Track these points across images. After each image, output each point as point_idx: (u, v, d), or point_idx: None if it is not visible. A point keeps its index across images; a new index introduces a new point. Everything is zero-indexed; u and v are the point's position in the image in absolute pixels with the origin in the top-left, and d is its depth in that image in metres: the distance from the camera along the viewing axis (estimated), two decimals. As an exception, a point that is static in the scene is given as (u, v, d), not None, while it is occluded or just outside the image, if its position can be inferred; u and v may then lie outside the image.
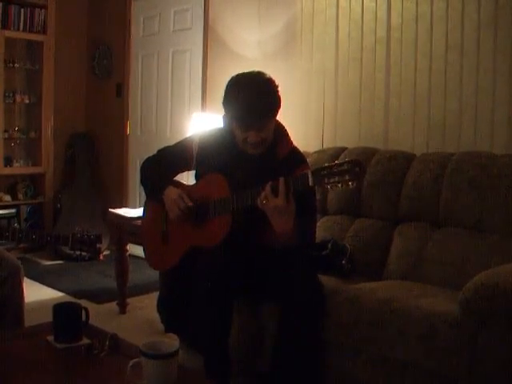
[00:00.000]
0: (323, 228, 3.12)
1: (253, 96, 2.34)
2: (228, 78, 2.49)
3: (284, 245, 2.32)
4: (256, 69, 2.55)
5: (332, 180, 2.08)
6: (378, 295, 2.41)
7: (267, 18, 4.25)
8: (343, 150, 3.33)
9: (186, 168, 2.72)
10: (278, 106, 2.44)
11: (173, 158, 2.70)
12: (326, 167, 2.10)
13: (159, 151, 2.79)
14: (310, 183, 2.13)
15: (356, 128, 3.67)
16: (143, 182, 2.77)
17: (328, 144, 3.73)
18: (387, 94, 3.53)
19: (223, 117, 2.55)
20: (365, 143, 3.52)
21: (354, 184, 2.07)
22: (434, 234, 2.85)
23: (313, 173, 2.13)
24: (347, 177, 2.06)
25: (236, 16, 4.45)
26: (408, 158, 3.08)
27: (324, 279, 2.53)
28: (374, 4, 3.54)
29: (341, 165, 2.08)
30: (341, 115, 3.75)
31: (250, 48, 4.33)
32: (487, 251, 2.63)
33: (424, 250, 2.82)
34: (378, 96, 3.57)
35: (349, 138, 3.65)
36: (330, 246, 2.85)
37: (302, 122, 3.87)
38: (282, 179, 2.18)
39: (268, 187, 2.20)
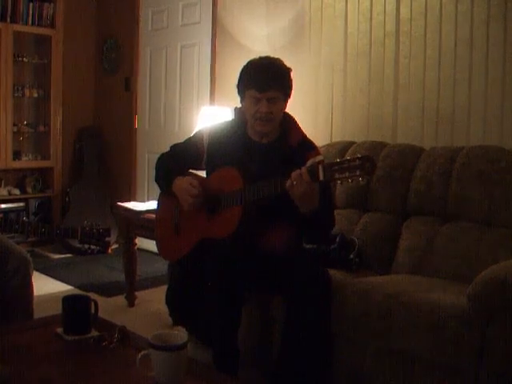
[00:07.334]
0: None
1: (266, 62, 2.53)
2: (236, 73, 2.55)
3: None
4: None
5: (343, 175, 2.08)
6: (386, 289, 2.40)
7: (276, 11, 4.24)
8: (352, 143, 3.33)
9: (197, 164, 2.71)
10: (290, 80, 2.55)
11: (185, 154, 2.70)
12: (337, 162, 2.10)
13: (172, 147, 2.80)
14: (321, 177, 2.13)
15: (365, 122, 3.66)
16: (157, 179, 2.77)
17: (336, 138, 3.72)
18: (396, 88, 3.52)
19: (234, 109, 2.62)
20: (373, 137, 3.51)
21: (365, 179, 2.08)
22: (442, 228, 2.84)
23: (324, 167, 2.13)
24: (358, 172, 2.06)
25: (244, 10, 4.44)
26: (417, 152, 3.07)
27: (332, 273, 2.53)
28: (382, -3, 3.53)
29: (352, 160, 2.07)
30: (349, 109, 3.74)
31: (259, 42, 4.32)
32: (496, 245, 2.63)
33: (432, 244, 2.82)
34: (386, 90, 3.56)
35: (357, 132, 3.64)
36: (338, 240, 2.85)
37: (310, 116, 3.86)
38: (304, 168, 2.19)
39: (305, 170, 2.17)
